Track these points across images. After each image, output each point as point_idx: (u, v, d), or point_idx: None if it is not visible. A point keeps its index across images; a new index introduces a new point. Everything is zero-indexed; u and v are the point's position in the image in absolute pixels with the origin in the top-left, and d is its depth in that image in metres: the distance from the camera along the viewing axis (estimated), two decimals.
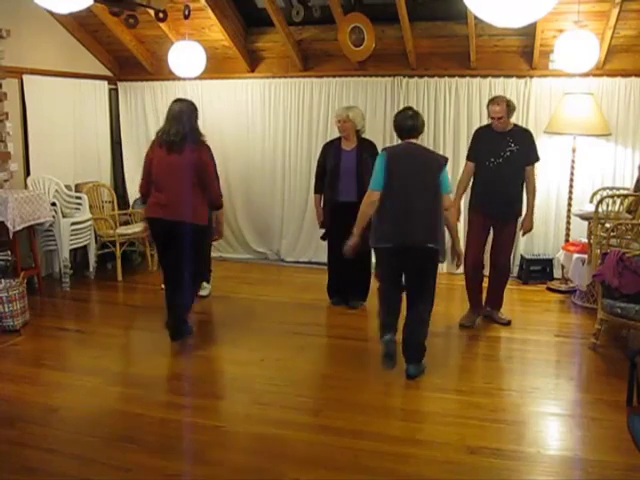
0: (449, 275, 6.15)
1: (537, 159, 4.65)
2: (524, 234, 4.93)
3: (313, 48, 6.33)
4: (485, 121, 5.90)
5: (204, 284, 5.40)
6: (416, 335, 3.83)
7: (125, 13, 5.09)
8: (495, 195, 4.55)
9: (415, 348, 3.85)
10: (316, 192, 5.21)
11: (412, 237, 3.69)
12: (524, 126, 5.13)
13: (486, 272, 4.84)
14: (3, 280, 4.67)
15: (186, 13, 5.51)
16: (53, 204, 5.56)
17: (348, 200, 4.85)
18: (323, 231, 5.21)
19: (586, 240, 5.20)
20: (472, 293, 4.78)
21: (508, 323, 4.77)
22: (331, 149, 5.07)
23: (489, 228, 4.71)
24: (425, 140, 6.12)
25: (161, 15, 5.22)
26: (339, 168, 4.95)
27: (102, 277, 6.11)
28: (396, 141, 6.07)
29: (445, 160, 3.90)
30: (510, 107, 4.52)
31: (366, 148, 4.96)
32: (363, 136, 5.08)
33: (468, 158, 4.77)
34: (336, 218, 4.98)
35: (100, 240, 6.09)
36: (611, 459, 2.91)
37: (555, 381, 3.90)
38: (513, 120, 4.68)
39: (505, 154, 4.51)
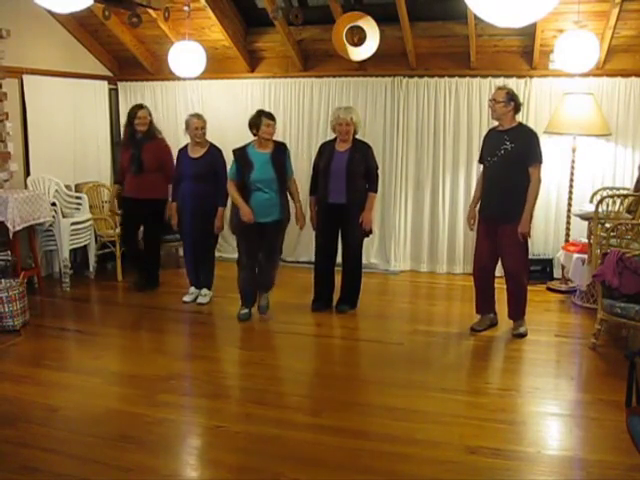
0: (448, 275, 6.17)
1: (536, 160, 4.28)
2: (522, 238, 4.35)
3: (313, 48, 6.33)
4: (485, 120, 5.94)
5: (205, 290, 5.36)
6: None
7: (112, 11, 5.09)
8: (491, 195, 4.42)
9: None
10: (311, 194, 5.04)
11: None
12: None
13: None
14: (3, 280, 4.67)
15: (187, 11, 5.52)
16: (53, 204, 5.55)
17: (337, 202, 4.80)
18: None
19: (586, 240, 5.20)
20: (477, 295, 4.68)
21: (519, 336, 4.49)
22: (326, 150, 4.94)
23: (493, 231, 4.44)
24: (425, 140, 6.16)
25: (134, 20, 5.20)
26: (329, 169, 4.82)
27: (102, 277, 6.11)
28: (395, 141, 6.19)
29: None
30: (512, 99, 4.28)
31: (360, 149, 4.85)
32: (358, 137, 4.95)
33: (479, 160, 4.73)
34: (325, 220, 4.93)
35: (100, 240, 6.10)
36: (611, 459, 2.90)
37: (555, 381, 3.90)
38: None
39: (500, 152, 4.32)
